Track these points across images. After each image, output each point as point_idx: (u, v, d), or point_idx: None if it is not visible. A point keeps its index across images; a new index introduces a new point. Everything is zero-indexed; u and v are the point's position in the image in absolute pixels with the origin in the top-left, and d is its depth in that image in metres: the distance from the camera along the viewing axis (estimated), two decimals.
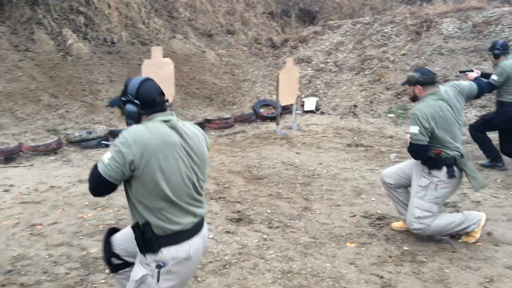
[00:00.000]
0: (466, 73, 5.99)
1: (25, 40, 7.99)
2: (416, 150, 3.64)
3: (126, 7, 9.93)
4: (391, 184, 3.96)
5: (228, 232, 4.01)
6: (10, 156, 5.89)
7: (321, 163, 6.17)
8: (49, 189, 5.10)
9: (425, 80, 3.65)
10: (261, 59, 11.01)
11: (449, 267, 3.42)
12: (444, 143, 3.61)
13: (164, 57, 6.22)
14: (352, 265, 3.45)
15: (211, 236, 3.88)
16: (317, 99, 9.54)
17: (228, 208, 4.56)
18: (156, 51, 5.94)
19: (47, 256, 3.58)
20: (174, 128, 2.13)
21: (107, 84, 8.22)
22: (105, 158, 2.05)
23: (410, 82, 3.74)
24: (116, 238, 2.46)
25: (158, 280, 2.12)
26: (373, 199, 4.85)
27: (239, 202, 4.72)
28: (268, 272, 3.34)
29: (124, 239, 2.43)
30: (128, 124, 2.18)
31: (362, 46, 10.39)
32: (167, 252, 2.11)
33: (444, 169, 3.61)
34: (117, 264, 2.46)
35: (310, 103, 9.33)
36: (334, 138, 7.58)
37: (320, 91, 9.80)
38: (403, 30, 10.30)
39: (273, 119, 8.69)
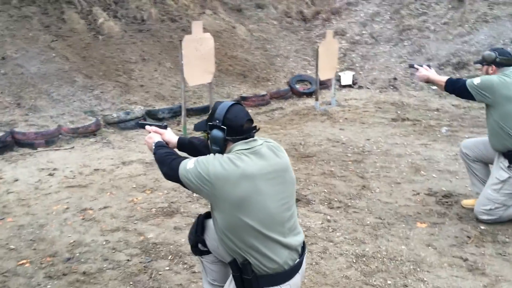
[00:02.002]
0: None
1: (56, 20, 7.82)
2: (458, 86, 3.47)
3: None
4: (469, 156, 3.71)
5: None
6: (50, 139, 5.77)
7: (368, 139, 5.90)
8: (94, 172, 4.97)
9: (501, 61, 3.44)
10: (292, 33, 10.64)
11: None
12: None
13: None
14: (429, 247, 3.22)
15: None
16: (354, 73, 9.18)
17: None
18: (196, 26, 5.68)
19: (104, 242, 3.44)
20: (257, 154, 1.93)
21: (140, 63, 8.02)
22: (189, 164, 1.96)
23: (486, 61, 3.53)
24: (211, 228, 2.24)
25: None
26: (434, 175, 4.58)
27: None
28: (340, 256, 3.13)
29: None
30: (212, 150, 2.02)
31: (400, 15, 9.93)
32: None
33: None
34: (201, 250, 2.29)
35: (346, 77, 8.99)
36: (376, 113, 7.27)
37: (357, 65, 9.43)
38: None
39: (309, 94, 8.40)
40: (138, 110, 6.58)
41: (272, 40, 10.24)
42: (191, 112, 6.93)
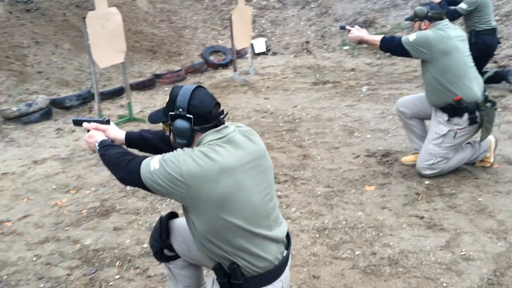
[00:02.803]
0: None
1: None
2: (394, 45, 3.43)
3: None
4: (406, 113, 3.73)
5: None
6: None
7: (295, 106, 5.82)
8: (2, 177, 4.33)
9: (433, 15, 3.44)
10: (197, 3, 10.16)
11: (480, 194, 3.28)
12: (460, 79, 3.34)
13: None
14: (385, 210, 3.20)
15: None
16: (266, 39, 9.03)
17: None
18: (100, 0, 5.09)
19: (34, 258, 2.98)
20: (231, 142, 1.67)
21: (33, 47, 7.13)
22: (153, 164, 1.63)
23: (418, 17, 3.49)
24: (178, 230, 1.98)
25: None
26: (368, 136, 4.61)
27: None
28: (302, 232, 3.00)
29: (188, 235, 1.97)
30: (177, 144, 1.72)
31: None
32: None
33: (466, 116, 3.37)
34: (168, 255, 2.01)
35: (259, 45, 8.82)
36: (296, 78, 7.22)
37: (267, 31, 9.29)
38: None
39: (225, 66, 8.13)
40: (41, 100, 5.86)
41: (177, 11, 9.71)
42: (102, 97, 6.33)
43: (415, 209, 3.17)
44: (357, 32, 3.62)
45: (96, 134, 1.93)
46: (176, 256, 2.02)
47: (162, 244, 1.97)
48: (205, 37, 9.12)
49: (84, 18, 5.02)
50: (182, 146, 1.70)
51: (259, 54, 8.68)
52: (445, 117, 3.42)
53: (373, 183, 3.63)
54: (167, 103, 1.75)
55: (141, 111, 6.13)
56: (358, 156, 4.16)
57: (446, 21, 3.44)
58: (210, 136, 1.67)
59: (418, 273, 2.52)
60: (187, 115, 1.67)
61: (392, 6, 8.52)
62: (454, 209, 3.13)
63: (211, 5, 10.16)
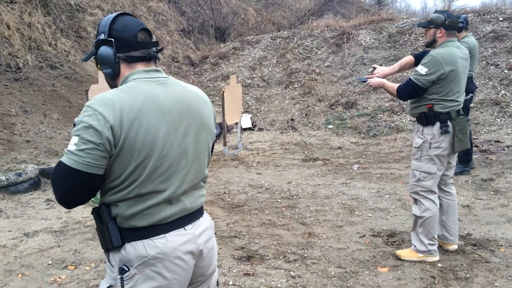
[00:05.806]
0: None
1: None
2: (409, 90, 3.43)
3: (28, 28, 8.72)
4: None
5: (247, 274, 3.49)
6: None
7: (290, 182, 5.87)
8: None
9: (450, 23, 3.45)
10: (183, 78, 10.44)
11: (496, 279, 3.32)
12: (447, 95, 3.40)
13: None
14: None
15: (230, 283, 3.35)
16: (251, 115, 9.26)
17: (227, 245, 4.03)
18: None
19: None
20: (163, 84, 1.58)
21: (21, 115, 7.06)
22: (70, 145, 1.45)
23: (434, 24, 3.47)
24: None
25: None
26: (369, 215, 4.67)
27: (235, 237, 4.21)
28: None
29: None
30: (105, 76, 1.65)
31: (286, 59, 10.39)
32: (132, 249, 1.54)
33: (438, 124, 3.42)
34: None
35: (245, 120, 9.02)
36: (285, 154, 7.35)
37: (253, 107, 9.55)
38: (323, 42, 10.52)
39: None
40: (31, 169, 5.69)
41: None
42: None
43: None
44: (378, 79, 3.68)
45: None
46: None
47: None
48: None
49: (86, 91, 5.06)
50: (109, 77, 1.62)
51: (245, 129, 8.85)
52: (420, 128, 3.52)
53: (385, 264, 3.63)
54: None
55: None
56: (363, 236, 4.18)
57: (455, 40, 3.49)
58: (137, 74, 1.57)
59: None
60: (108, 38, 1.57)
61: (372, 90, 8.99)
62: None
63: (197, 81, 10.45)
